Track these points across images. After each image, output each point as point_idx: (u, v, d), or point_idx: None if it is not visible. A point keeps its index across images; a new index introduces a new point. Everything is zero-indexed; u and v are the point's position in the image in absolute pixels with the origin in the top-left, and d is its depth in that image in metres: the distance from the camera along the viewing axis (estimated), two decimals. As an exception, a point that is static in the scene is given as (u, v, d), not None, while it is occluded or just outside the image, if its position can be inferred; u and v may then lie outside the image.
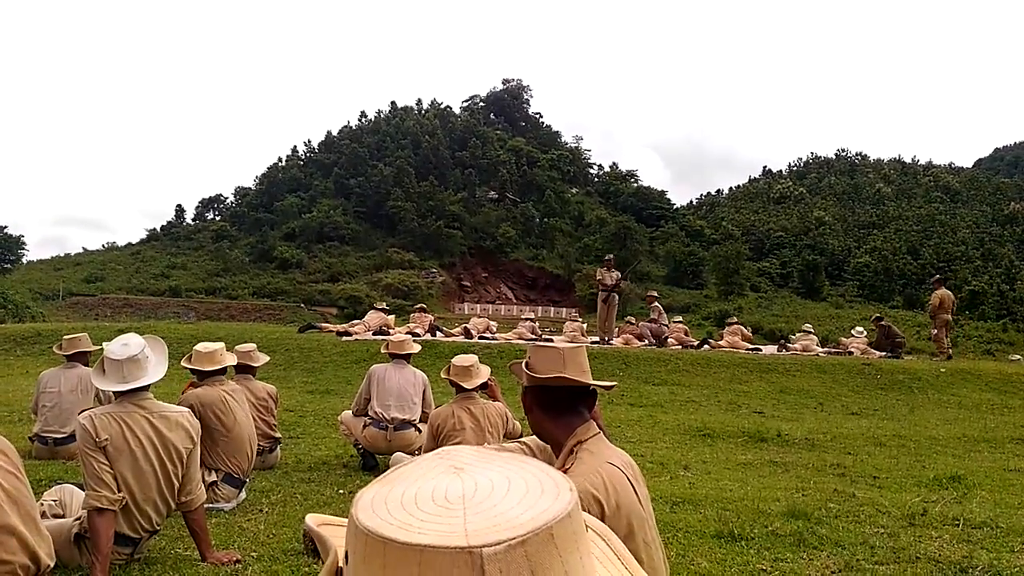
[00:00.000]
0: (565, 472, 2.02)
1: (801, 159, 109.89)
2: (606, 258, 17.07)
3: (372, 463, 6.17)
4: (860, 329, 18.22)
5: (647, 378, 12.41)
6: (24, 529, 2.69)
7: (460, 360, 5.32)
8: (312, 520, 0.78)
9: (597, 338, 16.01)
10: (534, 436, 3.54)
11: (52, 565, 2.86)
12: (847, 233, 73.87)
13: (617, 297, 16.22)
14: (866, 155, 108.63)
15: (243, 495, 5.00)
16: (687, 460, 6.93)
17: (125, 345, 3.58)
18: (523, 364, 2.22)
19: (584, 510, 1.91)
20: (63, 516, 3.85)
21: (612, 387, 2.58)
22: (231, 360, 5.46)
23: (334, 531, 0.74)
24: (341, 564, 0.65)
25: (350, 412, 6.36)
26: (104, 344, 3.67)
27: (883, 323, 17.10)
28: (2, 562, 2.61)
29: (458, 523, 0.57)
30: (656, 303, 16.75)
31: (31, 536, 2.72)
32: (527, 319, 19.40)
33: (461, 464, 0.67)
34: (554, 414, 2.18)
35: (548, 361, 2.19)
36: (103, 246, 75.06)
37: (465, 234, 69.27)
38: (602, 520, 1.94)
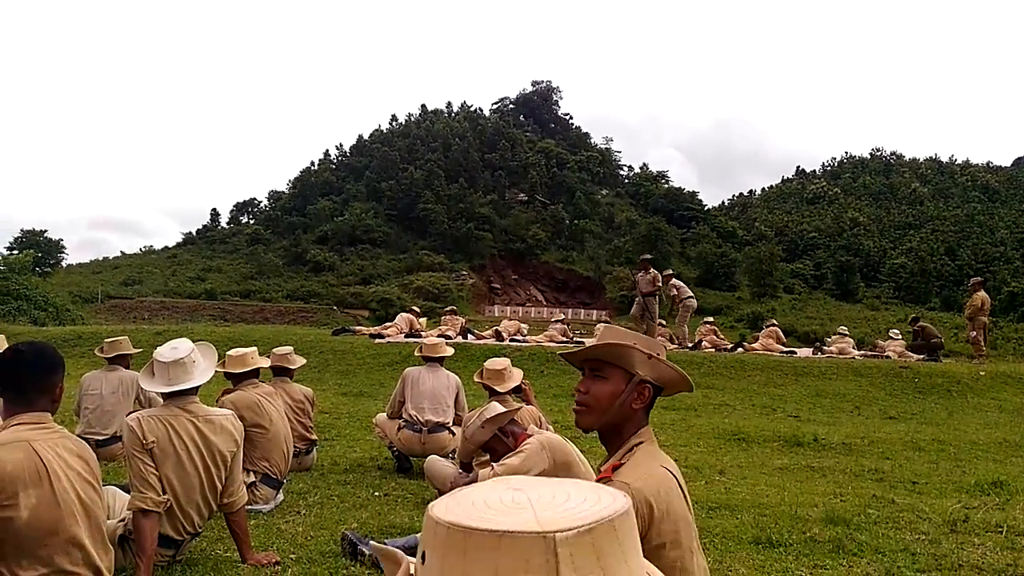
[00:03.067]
0: (620, 467, 2.04)
1: (835, 159, 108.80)
2: (641, 259, 16.06)
3: (407, 465, 6.21)
4: (896, 332, 17.95)
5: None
6: (90, 543, 2.77)
7: (493, 363, 5.34)
8: (374, 547, 0.88)
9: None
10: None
11: None
12: (882, 234, 72.82)
13: (655, 301, 15.10)
14: (901, 154, 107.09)
15: (280, 496, 5.06)
16: (722, 464, 6.87)
17: (174, 349, 3.68)
18: (654, 355, 2.18)
19: (633, 512, 1.92)
20: (108, 518, 3.93)
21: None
22: (263, 363, 5.53)
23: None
24: (412, 572, 0.75)
25: (384, 415, 6.41)
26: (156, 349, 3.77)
27: (920, 324, 16.84)
28: (66, 572, 2.68)
29: (530, 515, 0.66)
30: (674, 280, 16.07)
31: (95, 549, 2.79)
32: (557, 320, 19.38)
33: (518, 486, 0.75)
34: (647, 413, 2.21)
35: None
36: (140, 250, 76.44)
37: (495, 236, 69.38)
38: (650, 523, 1.97)
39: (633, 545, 0.69)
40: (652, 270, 15.13)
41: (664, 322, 18.05)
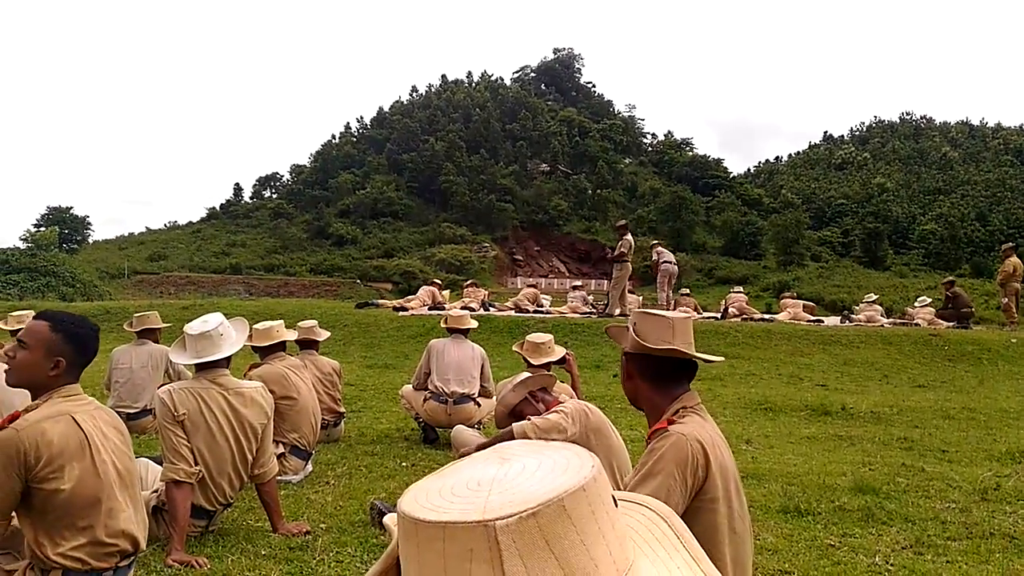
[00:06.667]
0: (673, 423, 2.07)
1: (864, 123, 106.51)
2: (617, 225, 15.29)
3: (433, 436, 6.27)
4: (925, 299, 17.73)
5: (705, 350, 12.11)
6: (127, 513, 2.83)
7: (535, 336, 5.36)
8: (388, 519, 0.89)
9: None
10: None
11: (145, 547, 2.99)
12: (912, 199, 71.50)
13: (619, 268, 14.49)
14: (932, 118, 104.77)
15: (309, 467, 5.13)
16: (749, 434, 6.86)
17: (204, 322, 3.73)
18: (629, 330, 2.20)
19: (691, 456, 1.94)
20: (141, 489, 3.99)
21: (718, 362, 2.62)
22: (289, 336, 5.58)
23: None
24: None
25: (410, 386, 6.46)
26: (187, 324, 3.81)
27: (953, 290, 16.53)
28: (104, 543, 2.73)
29: (480, 501, 0.65)
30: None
31: (133, 519, 2.84)
32: (576, 286, 19.31)
33: (509, 455, 0.74)
34: (657, 383, 2.21)
35: (657, 331, 2.19)
36: (165, 225, 76.89)
37: (517, 208, 69.00)
38: (707, 474, 1.97)
39: (595, 521, 0.65)
40: (627, 236, 14.42)
41: (687, 290, 17.90)
